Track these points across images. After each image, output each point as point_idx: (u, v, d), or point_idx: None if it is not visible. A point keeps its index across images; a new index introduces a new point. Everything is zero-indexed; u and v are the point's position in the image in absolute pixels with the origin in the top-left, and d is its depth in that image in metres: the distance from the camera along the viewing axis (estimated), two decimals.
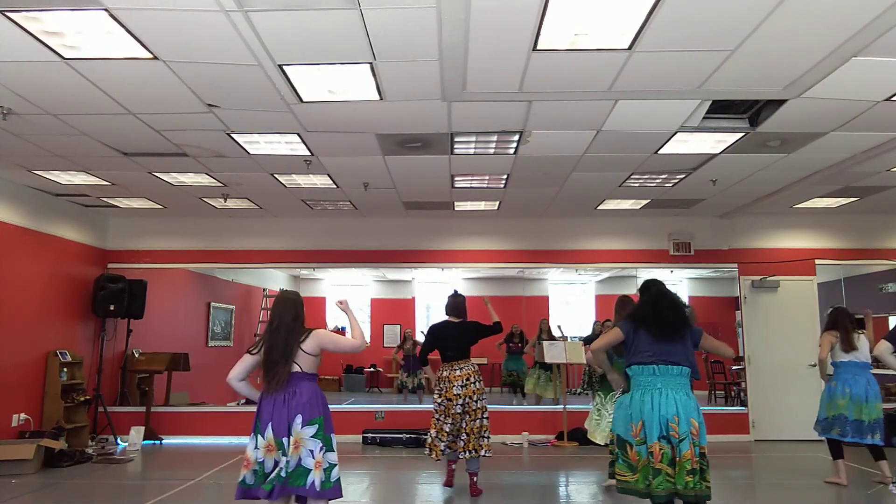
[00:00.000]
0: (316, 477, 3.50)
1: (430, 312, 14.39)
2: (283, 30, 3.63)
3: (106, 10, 3.41)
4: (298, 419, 3.52)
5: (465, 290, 13.70)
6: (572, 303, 14.10)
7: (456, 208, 8.51)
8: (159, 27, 3.61)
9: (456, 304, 5.81)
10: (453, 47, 3.83)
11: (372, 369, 13.84)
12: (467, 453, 5.39)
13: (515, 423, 8.55)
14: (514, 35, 3.69)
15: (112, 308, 8.33)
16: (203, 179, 6.98)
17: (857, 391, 5.63)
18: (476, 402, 5.46)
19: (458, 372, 5.49)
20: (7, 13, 3.45)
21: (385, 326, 14.21)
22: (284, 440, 3.50)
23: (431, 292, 14.26)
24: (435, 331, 5.77)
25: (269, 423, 3.53)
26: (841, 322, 5.85)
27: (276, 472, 3.47)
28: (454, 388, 5.42)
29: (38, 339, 7.49)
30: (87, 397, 7.90)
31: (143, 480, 6.48)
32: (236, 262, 9.26)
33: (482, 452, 5.44)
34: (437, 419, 5.49)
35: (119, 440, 8.03)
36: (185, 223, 9.08)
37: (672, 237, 8.99)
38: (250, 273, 11.90)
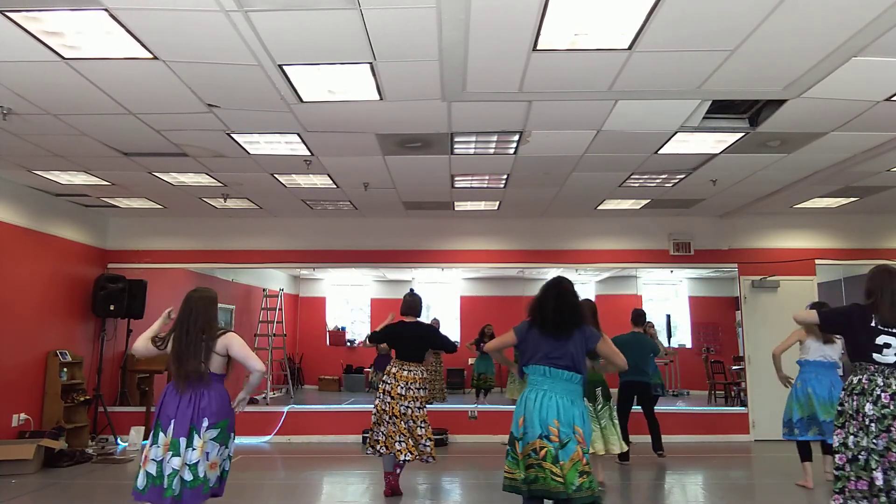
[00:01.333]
0: (211, 476, 3.48)
1: (429, 312, 14.40)
2: (283, 30, 3.63)
3: (106, 10, 3.41)
4: (205, 422, 3.47)
5: (466, 290, 13.89)
6: None
7: (456, 208, 8.51)
8: (159, 27, 3.61)
9: (413, 303, 5.73)
10: (453, 47, 3.83)
11: (372, 369, 13.83)
12: (408, 455, 5.26)
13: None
14: (514, 35, 3.69)
15: (112, 308, 8.33)
16: (203, 179, 6.98)
17: (820, 392, 5.56)
18: (416, 409, 5.36)
19: (405, 373, 5.42)
20: (7, 13, 3.45)
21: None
22: (182, 440, 3.42)
23: (431, 292, 14.27)
24: (390, 329, 5.67)
25: (172, 422, 3.47)
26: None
27: (172, 476, 3.37)
28: (398, 387, 5.35)
29: (38, 339, 7.49)
30: (87, 397, 7.90)
31: None
32: (236, 262, 9.27)
33: (425, 458, 5.34)
34: (375, 414, 5.41)
35: (119, 440, 8.03)
36: (185, 223, 9.08)
37: (672, 237, 8.99)
38: (250, 273, 11.91)
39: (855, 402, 3.42)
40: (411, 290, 5.98)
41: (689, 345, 13.54)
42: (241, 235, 9.09)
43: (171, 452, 3.41)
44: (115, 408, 8.39)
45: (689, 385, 12.83)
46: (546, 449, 3.38)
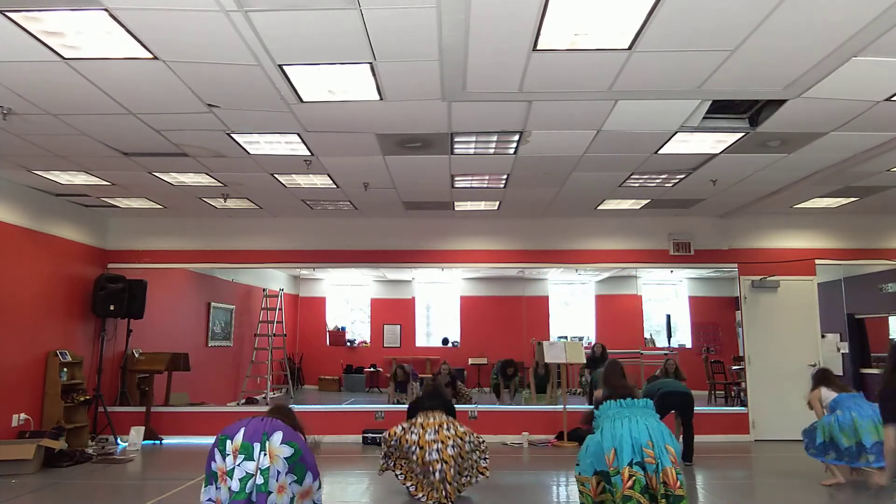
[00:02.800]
0: (278, 500, 3.43)
1: (429, 312, 14.41)
2: (283, 30, 3.63)
3: (106, 10, 3.41)
4: (278, 435, 3.51)
5: (466, 290, 13.88)
6: (572, 303, 14.11)
7: (456, 208, 8.51)
8: (159, 27, 3.61)
9: (433, 390, 5.92)
10: (453, 47, 3.83)
11: (372, 369, 13.84)
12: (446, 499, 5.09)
13: (515, 423, 8.55)
14: (514, 35, 3.69)
15: (112, 308, 8.33)
16: (203, 179, 6.98)
17: (865, 414, 5.64)
18: (451, 447, 5.12)
19: (431, 420, 5.32)
20: (7, 13, 3.45)
21: (385, 326, 14.22)
22: (255, 445, 3.43)
23: (431, 292, 14.28)
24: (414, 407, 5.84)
25: (243, 429, 3.50)
26: (829, 377, 6.13)
27: (245, 480, 3.37)
28: (427, 434, 5.20)
29: (38, 339, 7.49)
30: (87, 397, 7.90)
31: (143, 480, 6.48)
32: (236, 262, 9.26)
33: (474, 480, 5.34)
34: (394, 452, 5.42)
35: (119, 440, 8.03)
36: (185, 223, 9.08)
37: (672, 237, 8.99)
38: (250, 273, 11.91)
39: None
40: (442, 369, 6.06)
41: (689, 345, 13.54)
42: (241, 235, 9.09)
43: (242, 456, 3.42)
44: (115, 408, 8.39)
45: (689, 385, 12.80)
46: (634, 478, 3.44)
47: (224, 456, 3.51)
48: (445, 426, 5.25)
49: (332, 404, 10.70)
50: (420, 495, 5.24)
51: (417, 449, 5.18)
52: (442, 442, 5.14)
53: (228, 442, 3.52)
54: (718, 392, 11.29)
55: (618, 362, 5.10)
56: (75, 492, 5.78)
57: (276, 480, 3.44)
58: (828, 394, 5.98)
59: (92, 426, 8.07)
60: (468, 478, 5.34)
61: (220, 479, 3.50)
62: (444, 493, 5.04)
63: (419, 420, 5.37)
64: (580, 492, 3.77)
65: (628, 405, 3.73)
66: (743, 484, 6.31)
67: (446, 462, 5.06)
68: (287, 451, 3.50)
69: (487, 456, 5.41)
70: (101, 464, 6.92)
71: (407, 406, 5.94)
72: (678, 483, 3.44)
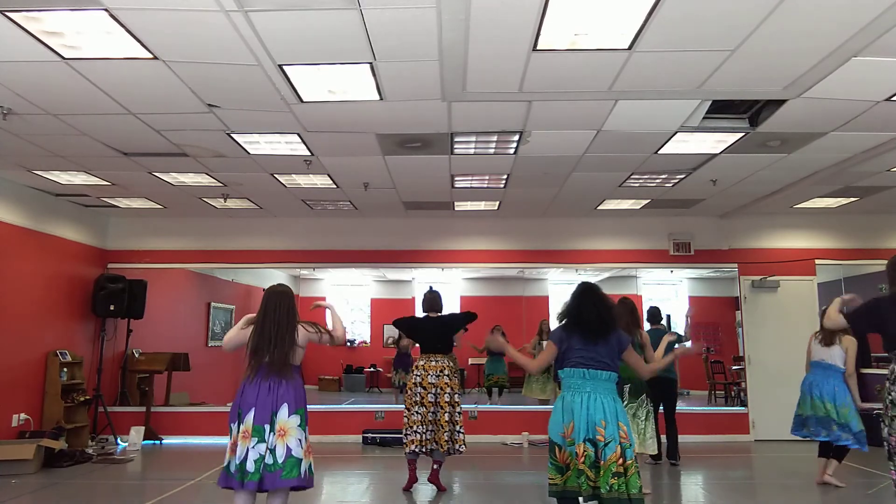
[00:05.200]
0: (304, 466, 3.56)
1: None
2: (283, 30, 3.63)
3: (106, 10, 3.41)
4: (284, 408, 3.55)
5: (466, 290, 13.86)
6: None
7: (456, 208, 8.51)
8: (159, 27, 3.61)
9: (433, 299, 5.93)
10: (453, 47, 3.83)
11: (372, 369, 13.84)
12: (440, 446, 5.46)
13: (515, 423, 8.55)
14: (514, 35, 3.69)
15: (112, 308, 8.33)
16: (203, 179, 6.98)
17: (826, 394, 5.61)
18: (448, 395, 5.54)
19: (433, 363, 5.61)
20: (7, 13, 3.45)
21: (385, 326, 14.22)
22: (266, 427, 3.50)
23: None
24: (411, 324, 5.98)
25: (253, 409, 3.53)
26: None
27: (257, 461, 3.45)
28: (429, 376, 5.54)
29: (38, 339, 7.49)
30: (87, 397, 7.90)
31: (143, 480, 6.48)
32: (236, 262, 9.27)
33: (457, 447, 5.53)
34: (408, 409, 5.58)
35: (119, 440, 8.03)
36: (185, 223, 9.08)
37: (672, 237, 8.99)
38: (250, 273, 11.89)
39: None
40: (430, 287, 6.12)
41: (688, 344, 13.54)
42: (241, 235, 9.09)
43: (255, 438, 3.48)
44: (115, 408, 8.38)
45: (689, 385, 12.81)
46: (587, 453, 3.43)
47: (239, 430, 3.57)
48: (447, 373, 5.60)
49: (332, 404, 10.71)
50: (413, 447, 5.48)
51: (421, 389, 5.53)
52: (441, 388, 5.52)
53: (241, 424, 3.56)
54: (718, 392, 11.30)
55: (631, 302, 5.41)
56: (75, 492, 5.79)
57: (302, 447, 3.56)
58: (815, 347, 5.85)
59: (92, 426, 8.06)
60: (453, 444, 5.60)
61: (229, 452, 3.58)
62: (444, 435, 5.45)
63: (421, 362, 5.66)
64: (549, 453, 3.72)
65: (591, 377, 3.57)
66: (743, 484, 6.31)
67: (442, 408, 5.49)
68: (295, 420, 3.57)
69: (462, 429, 5.64)
70: (101, 464, 6.91)
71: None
72: (625, 460, 3.42)
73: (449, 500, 5.54)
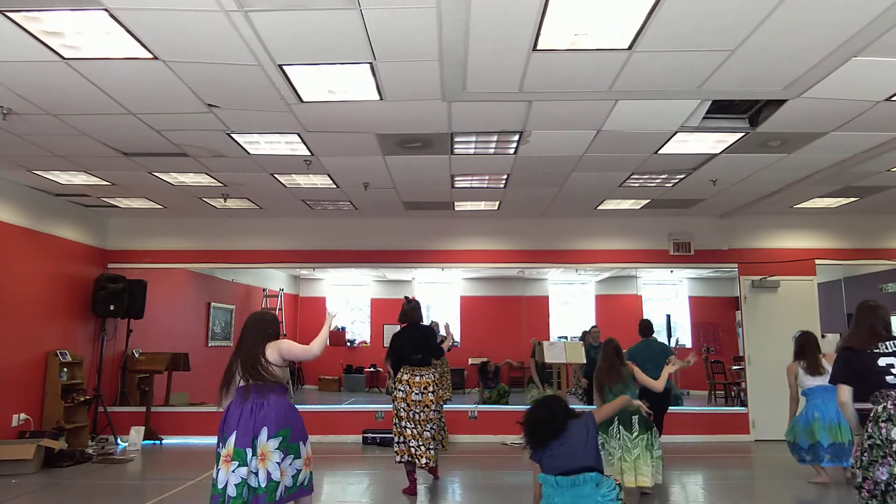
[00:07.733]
0: (303, 476, 3.65)
1: (429, 312, 14.39)
2: (283, 30, 3.63)
3: (106, 10, 3.41)
4: (264, 431, 3.56)
5: (466, 290, 13.88)
6: (572, 303, 14.12)
7: (456, 208, 8.51)
8: (159, 27, 3.61)
9: (409, 310, 5.86)
10: (453, 47, 3.83)
11: (372, 369, 13.84)
12: (423, 460, 5.45)
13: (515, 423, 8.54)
14: (514, 35, 3.69)
15: (112, 308, 8.33)
16: (203, 179, 6.98)
17: (828, 415, 5.66)
18: (432, 412, 5.53)
19: (417, 378, 5.56)
20: (7, 13, 3.45)
21: (385, 326, 14.22)
22: (247, 451, 3.50)
23: (431, 292, 14.27)
24: (394, 344, 5.81)
25: (234, 432, 3.54)
26: (808, 347, 5.99)
27: (239, 485, 3.45)
28: (413, 393, 5.51)
29: (38, 339, 7.49)
30: (87, 397, 7.90)
31: (143, 480, 6.48)
32: (236, 262, 9.26)
33: (432, 461, 5.52)
34: (398, 419, 5.55)
35: (119, 440, 8.03)
36: (185, 223, 9.08)
37: (672, 237, 8.99)
38: (250, 273, 11.91)
39: (884, 431, 3.23)
40: (406, 297, 6.03)
41: (689, 345, 13.54)
42: (241, 235, 9.09)
43: (236, 462, 3.49)
44: (115, 408, 8.39)
45: (688, 385, 12.83)
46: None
47: (223, 450, 3.58)
48: (430, 389, 5.56)
49: (332, 404, 10.70)
50: (406, 458, 5.49)
51: (405, 405, 5.52)
52: (426, 405, 5.50)
53: (223, 445, 3.58)
54: (718, 392, 11.30)
55: (614, 342, 5.38)
56: (75, 492, 5.79)
57: (279, 468, 3.55)
58: (804, 378, 5.91)
59: (92, 426, 8.06)
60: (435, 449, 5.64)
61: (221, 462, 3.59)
62: (428, 449, 5.46)
63: (405, 377, 5.58)
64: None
65: (559, 485, 3.39)
66: (743, 484, 6.31)
67: (422, 426, 5.48)
68: (275, 443, 3.57)
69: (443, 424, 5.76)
70: (101, 464, 6.92)
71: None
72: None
73: (448, 500, 5.54)
